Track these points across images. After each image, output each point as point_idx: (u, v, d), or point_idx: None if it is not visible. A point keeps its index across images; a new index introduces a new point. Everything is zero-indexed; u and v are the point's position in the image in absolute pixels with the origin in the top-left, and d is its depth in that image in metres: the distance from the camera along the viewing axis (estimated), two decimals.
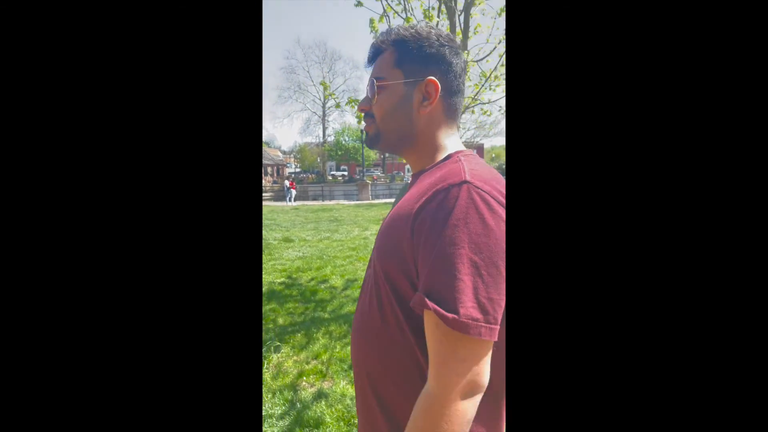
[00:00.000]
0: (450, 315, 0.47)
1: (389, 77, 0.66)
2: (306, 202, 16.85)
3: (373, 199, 17.61)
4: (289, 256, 5.58)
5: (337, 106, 4.16)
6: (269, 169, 36.10)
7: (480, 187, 0.52)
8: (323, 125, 35.76)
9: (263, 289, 3.97)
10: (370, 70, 0.70)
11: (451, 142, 0.68)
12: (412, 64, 0.65)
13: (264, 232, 8.08)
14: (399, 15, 3.45)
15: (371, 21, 3.56)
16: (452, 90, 0.67)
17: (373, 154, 30.96)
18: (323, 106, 35.35)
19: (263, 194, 22.16)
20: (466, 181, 0.53)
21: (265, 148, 36.48)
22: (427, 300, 0.49)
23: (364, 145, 0.81)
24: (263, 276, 4.49)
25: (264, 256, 5.53)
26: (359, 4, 3.41)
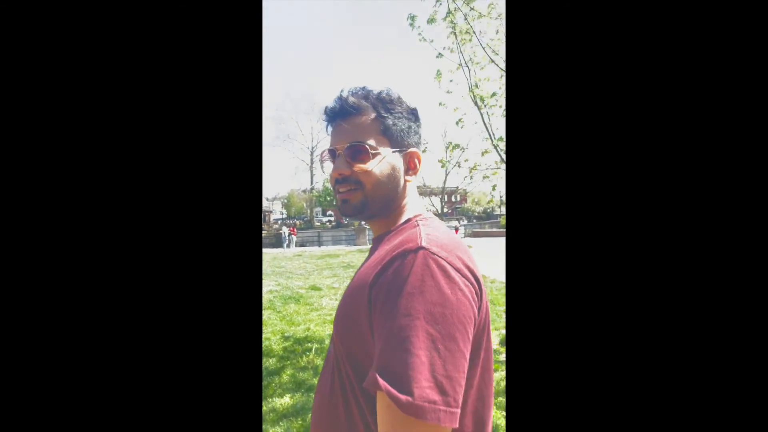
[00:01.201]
0: (403, 397, 0.42)
1: (378, 144, 0.63)
2: (305, 249, 16.53)
3: (370, 243, 17.48)
4: (329, 305, 5.34)
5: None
6: None
7: (436, 253, 0.51)
8: (311, 172, 36.18)
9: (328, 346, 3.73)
10: (337, 123, 0.66)
11: (412, 204, 0.67)
12: (396, 133, 0.65)
13: (284, 280, 7.78)
14: (468, 65, 3.60)
15: (438, 72, 3.71)
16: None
17: None
18: (311, 154, 35.97)
19: None
20: (421, 247, 0.51)
21: None
22: (379, 379, 0.44)
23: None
24: (316, 328, 4.24)
25: (301, 307, 5.27)
26: (440, 56, 3.55)
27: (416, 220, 0.63)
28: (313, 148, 35.72)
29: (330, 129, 0.67)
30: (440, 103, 4.09)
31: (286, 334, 4.10)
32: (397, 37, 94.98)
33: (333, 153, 0.65)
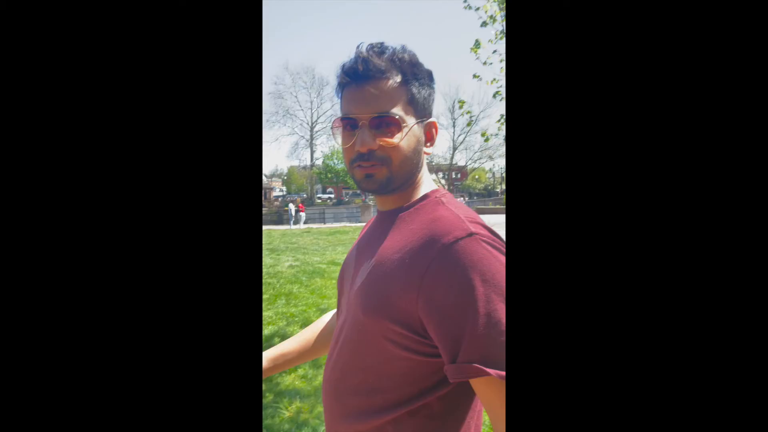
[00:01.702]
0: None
1: (405, 114, 0.57)
2: (310, 225, 16.57)
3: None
4: None
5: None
6: None
7: (486, 236, 0.51)
8: (311, 149, 35.78)
9: None
10: (357, 86, 0.57)
11: (425, 177, 0.63)
12: (420, 101, 0.59)
13: (301, 256, 7.84)
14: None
15: (477, 42, 3.62)
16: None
17: None
18: (311, 130, 35.46)
19: None
20: (472, 233, 0.50)
21: None
22: (483, 367, 0.46)
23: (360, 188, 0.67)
24: None
25: (326, 281, 5.33)
26: (484, 24, 3.46)
27: (437, 197, 0.59)
28: (313, 123, 35.15)
29: (342, 91, 0.59)
30: (475, 75, 4.01)
31: (321, 307, 4.17)
32: (406, 3, 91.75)
33: (353, 123, 0.57)
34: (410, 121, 0.58)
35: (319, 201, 32.87)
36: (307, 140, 35.48)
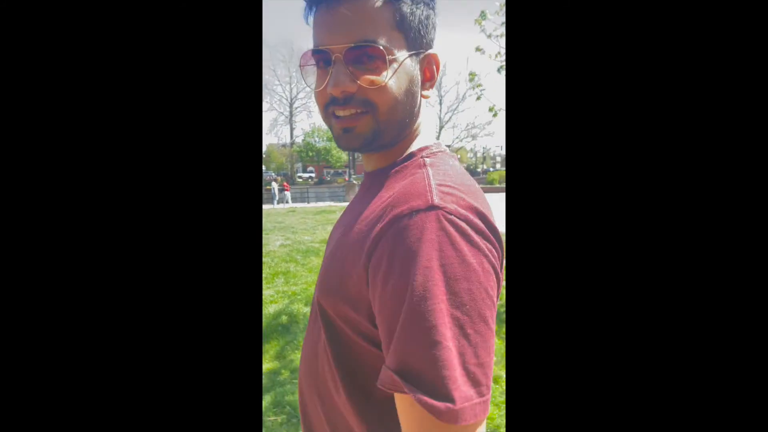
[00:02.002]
0: (442, 405, 0.34)
1: (392, 44, 0.43)
2: (294, 205, 16.33)
3: None
4: None
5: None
6: None
7: (453, 212, 0.38)
8: (291, 126, 34.92)
9: None
10: (329, 7, 0.43)
11: (422, 131, 0.51)
12: (414, 26, 0.45)
13: (291, 235, 7.73)
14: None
15: (483, 14, 3.53)
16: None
17: (344, 155, 30.62)
18: (291, 106, 34.52)
19: None
20: (433, 206, 0.38)
21: None
22: (403, 383, 0.35)
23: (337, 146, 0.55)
24: None
25: (322, 260, 5.29)
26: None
27: (422, 157, 0.47)
28: (292, 99, 34.21)
29: (312, 16, 0.45)
30: (477, 48, 3.92)
31: None
32: None
33: (325, 57, 0.44)
34: (400, 53, 0.44)
35: (300, 180, 32.36)
36: (287, 117, 34.58)
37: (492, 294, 0.38)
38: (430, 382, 0.35)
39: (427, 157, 0.47)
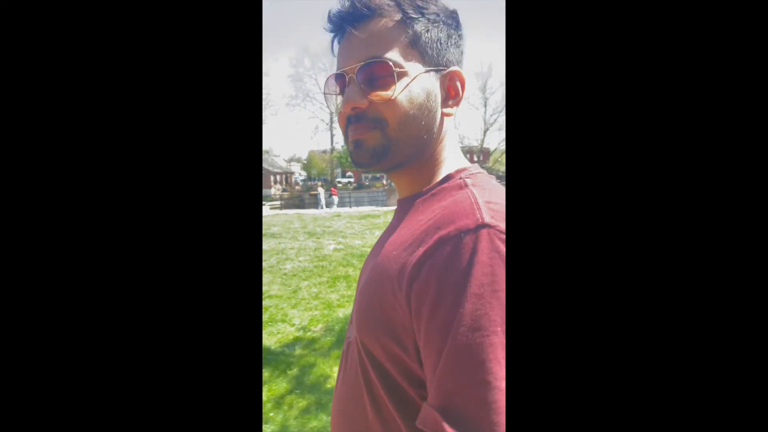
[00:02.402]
0: None
1: (405, 59, 0.43)
2: (338, 209, 16.67)
3: None
4: None
5: None
6: (278, 177, 35.82)
7: (505, 232, 0.36)
8: (331, 132, 35.72)
9: None
10: (346, 34, 0.45)
11: (451, 151, 0.48)
12: (430, 44, 0.45)
13: (342, 239, 7.90)
14: None
15: None
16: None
17: None
18: (331, 113, 35.36)
19: (273, 203, 21.99)
20: (484, 225, 0.36)
21: (267, 156, 36.34)
22: (446, 424, 0.31)
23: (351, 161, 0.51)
24: None
25: None
26: None
27: (461, 178, 0.45)
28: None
29: (336, 45, 0.48)
30: None
31: None
32: None
33: (342, 78, 0.46)
34: (413, 68, 0.44)
35: (340, 185, 32.99)
36: (327, 124, 35.41)
37: None
38: (476, 427, 0.30)
39: (467, 177, 0.45)
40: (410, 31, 0.44)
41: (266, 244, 6.68)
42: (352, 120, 0.45)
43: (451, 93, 0.47)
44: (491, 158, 38.92)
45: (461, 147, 0.53)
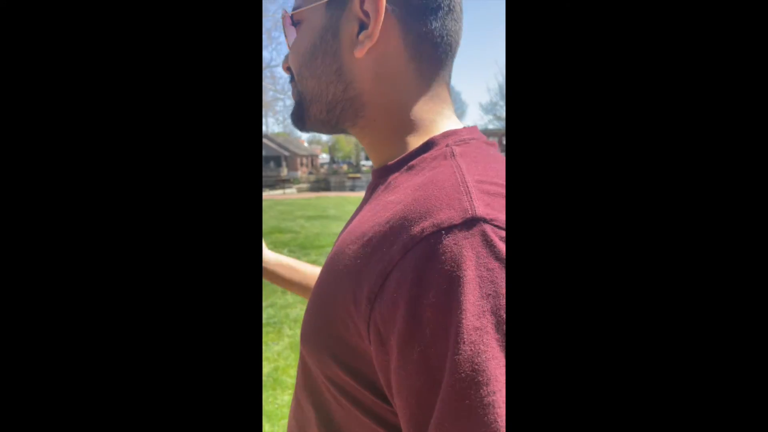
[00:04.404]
0: None
1: (307, 4, 0.37)
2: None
3: None
4: None
5: None
6: (304, 160, 36.17)
7: (502, 226, 0.26)
8: None
9: None
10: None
11: (431, 112, 0.37)
12: None
13: None
14: None
15: None
16: (423, 16, 0.35)
17: (349, 145, 29.44)
18: None
19: (301, 185, 22.19)
20: (475, 218, 0.26)
21: (289, 138, 36.48)
22: None
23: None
24: None
25: None
26: None
27: (448, 145, 0.34)
28: None
29: None
30: None
31: None
32: None
33: None
34: (307, 7, 0.37)
35: (365, 168, 33.08)
36: None
37: None
38: None
39: (456, 145, 0.34)
40: None
41: (332, 227, 6.67)
42: (290, 78, 0.41)
43: (364, 21, 0.35)
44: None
45: (482, 130, 0.43)
